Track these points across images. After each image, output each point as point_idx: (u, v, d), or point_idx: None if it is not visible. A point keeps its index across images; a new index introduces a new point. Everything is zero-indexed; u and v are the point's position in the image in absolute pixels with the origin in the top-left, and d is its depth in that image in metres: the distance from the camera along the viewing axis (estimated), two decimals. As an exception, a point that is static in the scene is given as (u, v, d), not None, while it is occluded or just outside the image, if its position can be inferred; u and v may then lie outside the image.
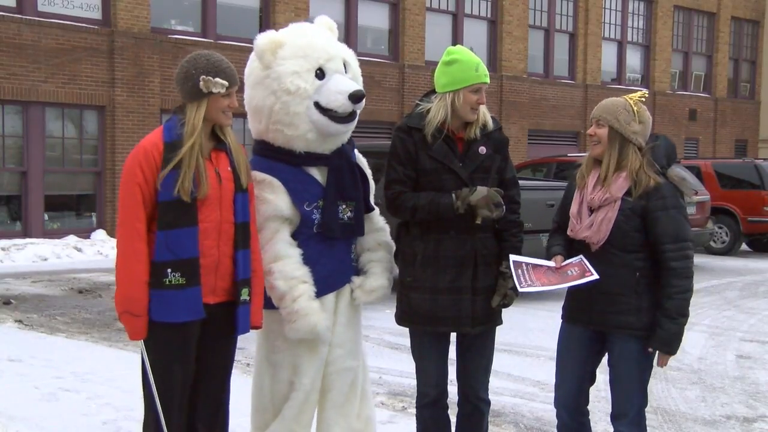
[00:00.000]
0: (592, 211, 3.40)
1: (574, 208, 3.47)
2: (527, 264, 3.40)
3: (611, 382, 3.49)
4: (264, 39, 3.50)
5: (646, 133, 3.41)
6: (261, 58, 3.49)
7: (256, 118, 3.59)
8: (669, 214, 3.29)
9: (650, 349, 3.35)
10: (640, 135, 3.38)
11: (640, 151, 3.37)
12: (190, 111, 3.14)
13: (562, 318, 3.62)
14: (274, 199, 3.45)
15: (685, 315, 3.29)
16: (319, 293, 3.47)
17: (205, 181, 3.10)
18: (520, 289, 3.34)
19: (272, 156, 3.54)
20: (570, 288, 3.44)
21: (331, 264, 3.53)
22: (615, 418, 3.49)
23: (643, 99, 3.45)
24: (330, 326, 3.53)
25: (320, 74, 3.48)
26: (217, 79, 3.12)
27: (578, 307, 3.50)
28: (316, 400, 3.62)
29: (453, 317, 3.44)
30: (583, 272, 3.33)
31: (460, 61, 3.45)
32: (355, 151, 3.74)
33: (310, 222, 3.49)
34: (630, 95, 3.45)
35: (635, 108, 3.38)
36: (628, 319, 3.34)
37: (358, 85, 3.54)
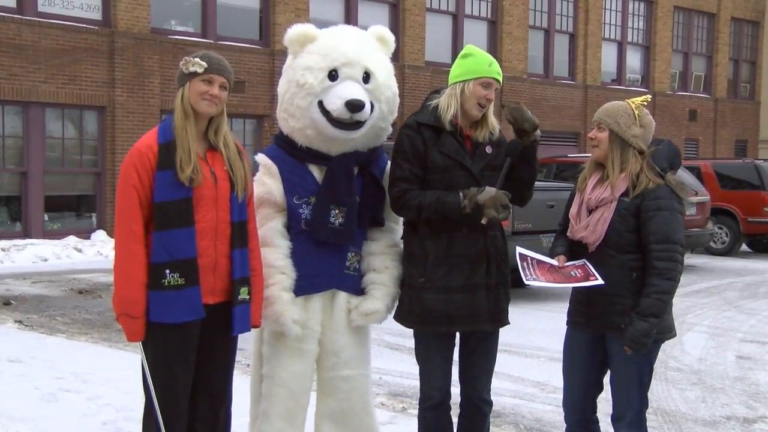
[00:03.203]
0: (590, 212, 3.41)
1: (573, 210, 3.50)
2: (532, 259, 3.43)
3: (611, 383, 3.49)
4: (294, 30, 3.60)
5: (647, 137, 3.41)
6: (288, 48, 3.61)
7: (278, 104, 3.71)
8: (661, 215, 3.28)
9: (626, 349, 3.31)
10: (641, 139, 3.38)
11: (641, 154, 3.37)
12: (177, 97, 3.18)
13: (566, 323, 3.63)
14: (270, 183, 3.50)
15: (657, 316, 3.26)
16: (303, 290, 3.47)
17: (199, 171, 3.11)
18: (525, 282, 3.36)
19: (281, 146, 3.62)
20: (573, 289, 3.46)
21: (320, 264, 3.51)
22: (614, 420, 3.49)
23: (645, 103, 3.46)
24: (312, 327, 3.50)
25: (334, 75, 3.50)
26: (196, 59, 3.15)
27: (577, 309, 3.51)
28: (306, 403, 3.60)
29: (469, 315, 3.42)
30: (587, 275, 3.35)
31: (475, 55, 3.50)
32: (387, 163, 3.67)
33: (297, 216, 3.50)
34: (633, 99, 3.47)
35: (636, 112, 3.39)
36: (624, 320, 3.32)
37: (362, 95, 3.47)
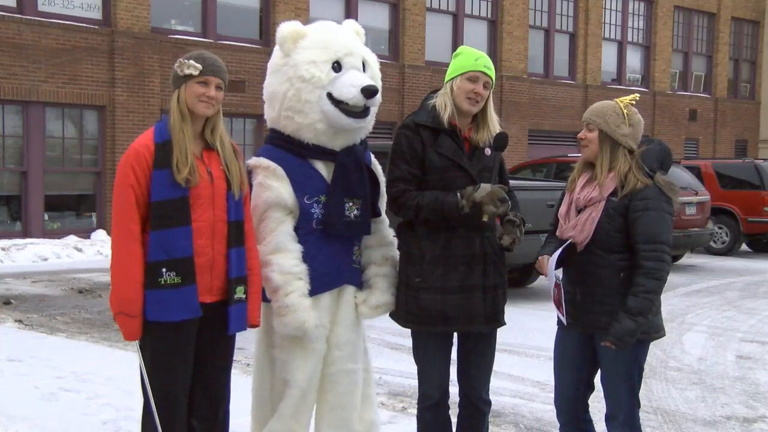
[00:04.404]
0: (579, 211, 3.42)
1: (563, 209, 3.51)
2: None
3: (602, 383, 3.50)
4: (287, 28, 3.58)
5: (636, 136, 3.41)
6: (282, 46, 3.57)
7: (271, 105, 3.63)
8: (649, 215, 3.28)
9: (605, 343, 3.29)
10: (630, 138, 3.38)
11: (630, 153, 3.38)
12: (173, 99, 3.18)
13: (557, 323, 3.64)
14: (278, 186, 3.46)
15: (644, 315, 3.26)
16: (315, 291, 3.47)
17: (196, 171, 3.12)
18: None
19: (281, 145, 3.57)
20: (564, 289, 3.51)
21: (329, 262, 3.51)
22: (607, 420, 3.50)
23: (634, 102, 3.47)
24: (325, 325, 3.51)
25: (337, 67, 3.51)
26: (191, 62, 3.15)
27: (567, 309, 3.51)
28: (313, 400, 3.61)
29: (464, 316, 3.43)
30: (556, 302, 3.52)
31: (463, 53, 3.53)
32: (371, 155, 3.73)
33: (309, 216, 3.49)
34: (621, 98, 3.47)
35: (625, 111, 3.40)
36: (611, 320, 3.32)
37: (372, 81, 3.53)
